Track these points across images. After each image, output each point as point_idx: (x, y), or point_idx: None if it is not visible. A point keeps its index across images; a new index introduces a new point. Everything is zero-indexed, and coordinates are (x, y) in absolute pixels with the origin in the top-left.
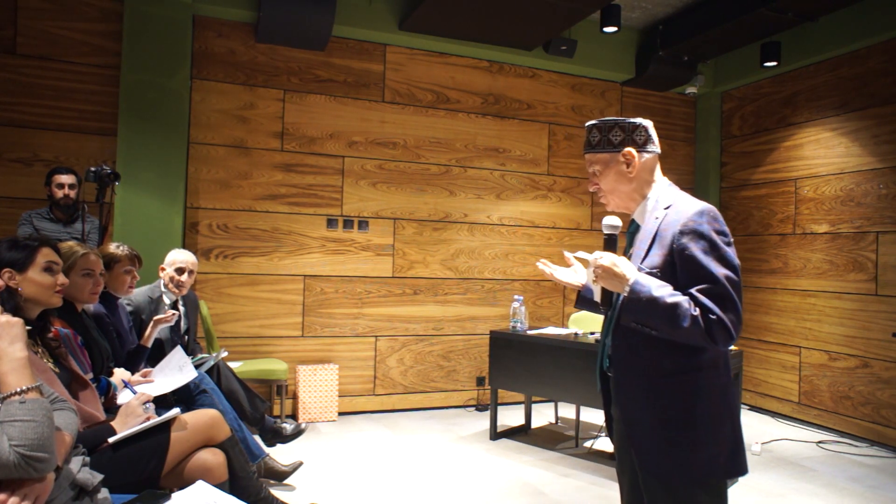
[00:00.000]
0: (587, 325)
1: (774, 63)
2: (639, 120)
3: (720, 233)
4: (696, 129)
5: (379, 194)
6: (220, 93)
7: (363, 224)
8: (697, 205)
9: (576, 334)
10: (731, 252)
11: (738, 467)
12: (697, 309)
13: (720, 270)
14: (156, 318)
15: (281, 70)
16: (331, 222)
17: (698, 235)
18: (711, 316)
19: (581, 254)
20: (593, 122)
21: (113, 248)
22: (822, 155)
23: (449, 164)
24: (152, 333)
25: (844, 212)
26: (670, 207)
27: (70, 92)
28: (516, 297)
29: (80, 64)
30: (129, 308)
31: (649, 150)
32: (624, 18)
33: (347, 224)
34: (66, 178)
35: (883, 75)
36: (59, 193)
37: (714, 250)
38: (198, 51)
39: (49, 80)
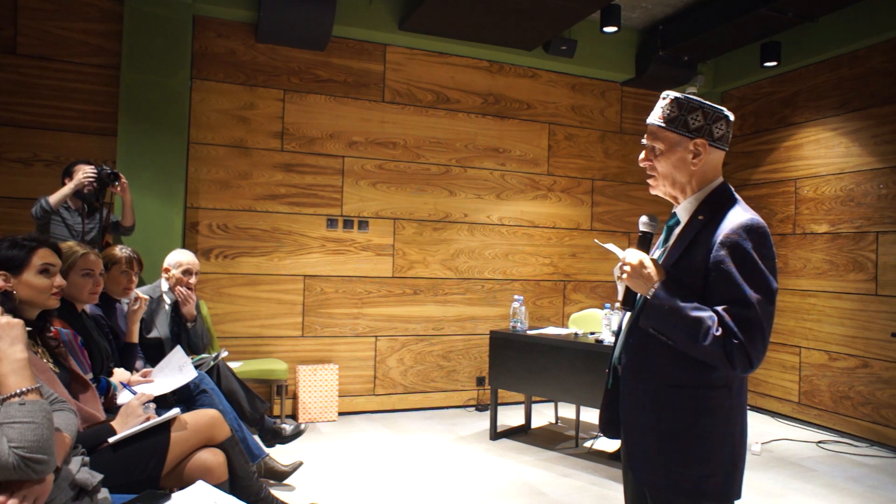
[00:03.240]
0: (587, 325)
1: (774, 63)
2: (724, 110)
3: (764, 254)
4: None
5: (379, 194)
6: (220, 93)
7: (363, 224)
8: (746, 216)
9: (576, 334)
10: (771, 276)
11: (729, 493)
12: (721, 329)
13: (754, 294)
14: (128, 311)
15: (281, 70)
16: (331, 222)
17: (739, 251)
18: (734, 340)
19: (610, 246)
20: (677, 95)
21: (116, 250)
22: (822, 155)
23: (449, 164)
24: (132, 329)
25: (844, 212)
26: (718, 212)
27: (70, 92)
28: (516, 297)
29: (80, 64)
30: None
31: (721, 146)
32: (624, 18)
33: (347, 224)
34: (90, 168)
35: (883, 75)
36: (86, 180)
37: (752, 271)
38: (198, 51)
39: (49, 80)
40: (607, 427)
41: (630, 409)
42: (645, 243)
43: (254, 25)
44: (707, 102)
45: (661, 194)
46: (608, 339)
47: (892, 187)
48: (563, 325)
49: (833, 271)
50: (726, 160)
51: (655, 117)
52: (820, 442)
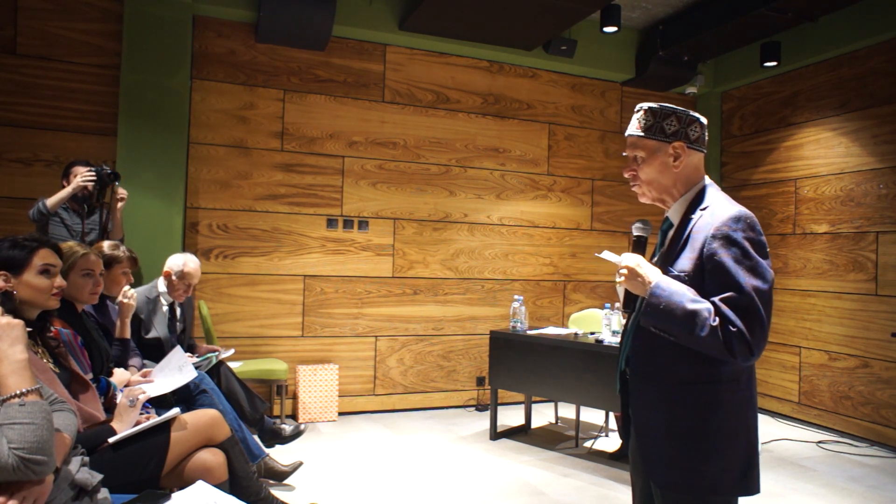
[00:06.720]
0: (587, 325)
1: (774, 63)
2: (696, 114)
3: (755, 242)
4: None
5: (379, 194)
6: (220, 93)
7: (363, 224)
8: (734, 209)
9: (576, 334)
10: (765, 263)
11: (749, 486)
12: (718, 318)
13: (749, 281)
14: (120, 306)
15: (281, 70)
16: (331, 222)
17: (730, 242)
18: (731, 328)
19: (607, 253)
20: (650, 104)
21: (113, 248)
22: (822, 155)
23: (449, 164)
24: (124, 323)
25: (844, 212)
26: (706, 209)
27: (70, 92)
28: (516, 297)
29: (80, 64)
30: None
31: (699, 147)
32: (624, 18)
33: (347, 224)
34: (87, 170)
35: (883, 75)
36: (83, 183)
37: (746, 259)
38: (198, 51)
39: (49, 80)
40: (623, 430)
41: (641, 411)
42: (640, 246)
43: (254, 25)
44: (679, 108)
45: (650, 201)
46: (608, 338)
47: (892, 187)
48: (563, 325)
49: (833, 271)
50: (726, 160)
51: (633, 128)
52: (820, 442)
